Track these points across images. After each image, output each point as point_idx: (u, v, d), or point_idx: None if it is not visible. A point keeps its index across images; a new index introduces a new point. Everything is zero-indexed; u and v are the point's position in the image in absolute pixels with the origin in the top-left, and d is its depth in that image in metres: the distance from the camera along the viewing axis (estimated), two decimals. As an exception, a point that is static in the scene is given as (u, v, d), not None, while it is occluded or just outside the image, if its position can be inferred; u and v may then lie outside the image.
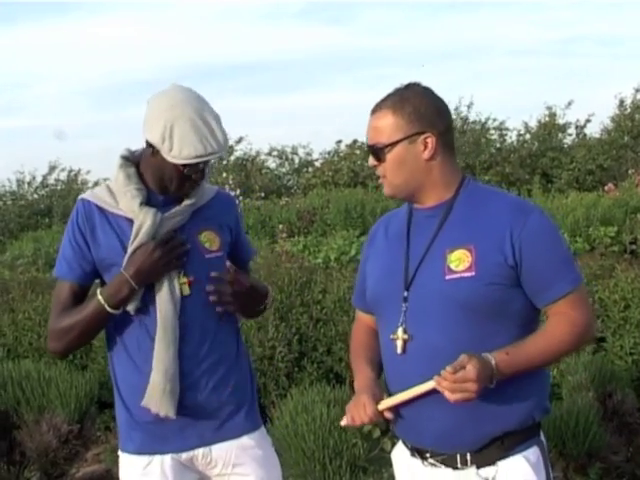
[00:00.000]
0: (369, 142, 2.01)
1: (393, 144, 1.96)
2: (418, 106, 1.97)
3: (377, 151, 1.98)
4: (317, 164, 16.95)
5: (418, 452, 2.01)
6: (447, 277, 1.91)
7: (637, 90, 15.92)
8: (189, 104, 2.08)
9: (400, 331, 1.95)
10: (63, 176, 17.18)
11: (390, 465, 3.53)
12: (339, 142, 16.58)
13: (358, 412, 1.98)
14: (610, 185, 11.08)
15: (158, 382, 2.08)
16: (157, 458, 2.15)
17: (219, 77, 36.92)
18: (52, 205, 16.05)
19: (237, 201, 2.41)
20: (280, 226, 9.68)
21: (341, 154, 16.33)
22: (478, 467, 1.93)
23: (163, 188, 2.18)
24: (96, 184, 17.00)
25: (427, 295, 1.94)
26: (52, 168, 17.13)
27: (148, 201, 2.14)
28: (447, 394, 1.80)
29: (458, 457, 1.94)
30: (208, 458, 2.19)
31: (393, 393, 1.99)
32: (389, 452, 3.54)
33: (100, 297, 2.11)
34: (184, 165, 2.08)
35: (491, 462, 1.92)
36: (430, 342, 1.92)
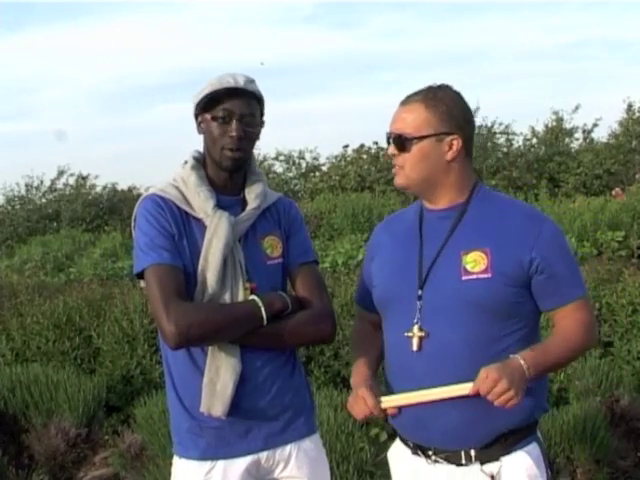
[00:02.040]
0: (395, 131, 2.03)
1: (422, 137, 1.99)
2: (451, 107, 2.01)
3: (403, 141, 2.00)
4: (324, 168, 16.97)
5: (421, 450, 2.03)
6: (464, 277, 1.96)
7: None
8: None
9: (416, 328, 1.98)
10: (72, 181, 17.25)
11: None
12: (346, 147, 16.60)
13: (359, 406, 2.02)
14: (618, 190, 11.06)
15: (208, 381, 2.08)
16: (220, 463, 2.14)
17: (226, 82, 36.79)
18: (60, 209, 16.10)
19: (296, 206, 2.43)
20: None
21: (348, 158, 16.34)
22: (482, 463, 1.97)
23: (221, 175, 2.19)
24: (104, 188, 17.11)
25: (443, 294, 1.98)
26: (61, 173, 17.19)
27: (217, 203, 2.15)
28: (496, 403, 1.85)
29: (462, 454, 1.98)
30: (271, 461, 2.19)
31: (401, 391, 2.01)
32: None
33: (259, 301, 2.08)
34: (214, 116, 2.12)
35: (495, 458, 1.97)
36: (445, 340, 1.95)
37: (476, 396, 1.87)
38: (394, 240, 2.16)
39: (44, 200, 17.08)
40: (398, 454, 2.14)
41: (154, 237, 2.08)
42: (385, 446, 2.26)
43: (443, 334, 1.96)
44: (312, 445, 2.25)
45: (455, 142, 2.01)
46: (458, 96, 2.06)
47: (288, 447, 2.20)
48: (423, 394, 1.95)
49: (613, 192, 11.24)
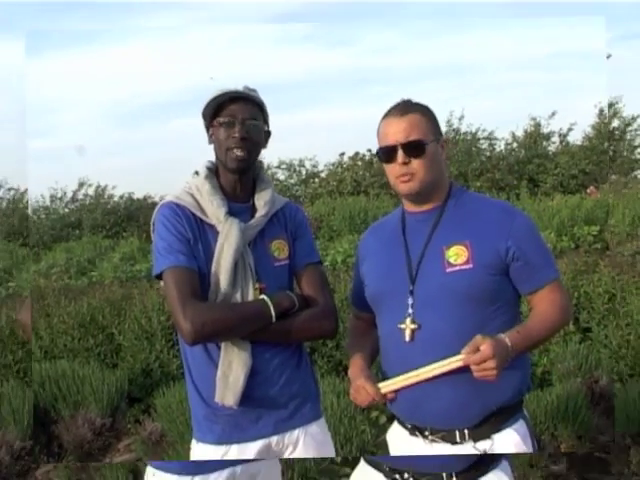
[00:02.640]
0: (404, 140, 2.00)
1: (431, 141, 2.03)
2: (432, 115, 2.09)
3: (418, 146, 2.00)
4: (323, 175, 16.93)
5: (418, 430, 2.04)
6: (447, 270, 1.98)
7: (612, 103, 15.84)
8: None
9: (408, 321, 1.99)
10: (91, 191, 17.26)
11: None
12: (342, 154, 16.56)
13: (360, 395, 2.03)
14: (592, 188, 11.04)
15: (222, 374, 2.09)
16: (234, 447, 2.15)
17: (231, 98, 36.79)
18: (82, 218, 16.11)
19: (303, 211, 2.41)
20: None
21: (344, 165, 16.31)
22: (475, 441, 1.98)
23: (231, 180, 2.20)
24: (122, 198, 17.11)
25: (431, 287, 1.99)
26: (81, 184, 17.21)
27: (229, 210, 2.16)
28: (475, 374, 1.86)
29: (457, 433, 1.99)
30: (281, 444, 2.20)
31: (393, 376, 2.01)
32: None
33: (268, 300, 2.09)
34: (220, 121, 2.13)
35: (486, 436, 1.99)
36: (436, 330, 1.96)
37: (465, 368, 1.87)
38: (380, 243, 2.17)
39: (67, 210, 17.09)
40: (397, 436, 2.14)
41: (172, 242, 2.09)
42: (385, 428, 2.27)
43: (434, 325, 1.96)
44: (318, 429, 2.26)
45: (445, 143, 2.10)
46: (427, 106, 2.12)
47: (296, 431, 2.21)
48: (418, 373, 1.95)
49: (588, 190, 11.23)
